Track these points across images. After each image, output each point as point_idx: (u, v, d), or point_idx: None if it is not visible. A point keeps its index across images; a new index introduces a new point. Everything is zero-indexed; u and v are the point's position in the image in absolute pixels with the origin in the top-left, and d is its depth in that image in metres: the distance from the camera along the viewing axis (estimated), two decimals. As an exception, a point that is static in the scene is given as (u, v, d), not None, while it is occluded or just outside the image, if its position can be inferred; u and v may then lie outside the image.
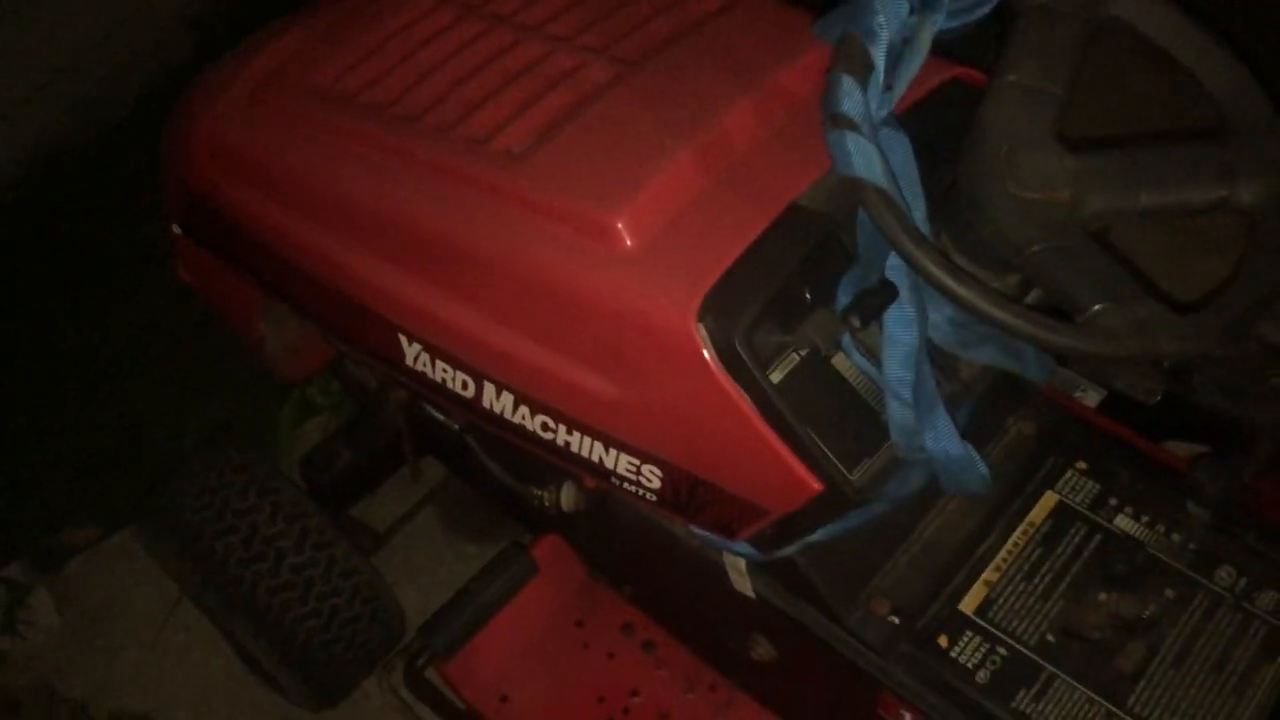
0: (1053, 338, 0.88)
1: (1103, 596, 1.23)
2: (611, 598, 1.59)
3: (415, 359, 1.28)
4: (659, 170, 1.11)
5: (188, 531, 1.61)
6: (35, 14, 3.06)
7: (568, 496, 1.45)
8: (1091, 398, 1.59)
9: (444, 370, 1.26)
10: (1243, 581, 1.23)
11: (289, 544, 1.61)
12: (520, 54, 1.29)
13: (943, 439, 1.04)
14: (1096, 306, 0.88)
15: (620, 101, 1.20)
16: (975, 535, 1.29)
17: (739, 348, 1.01)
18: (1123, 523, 1.29)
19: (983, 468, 1.11)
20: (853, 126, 0.90)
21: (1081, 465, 1.35)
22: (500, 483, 1.52)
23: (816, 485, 1.04)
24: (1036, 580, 1.25)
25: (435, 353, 1.25)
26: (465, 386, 1.25)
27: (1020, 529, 1.30)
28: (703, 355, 1.02)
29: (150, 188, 2.92)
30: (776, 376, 1.04)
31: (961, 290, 0.88)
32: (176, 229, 1.55)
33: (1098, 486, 1.33)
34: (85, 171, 3.07)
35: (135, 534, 1.83)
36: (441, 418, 1.55)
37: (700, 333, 1.02)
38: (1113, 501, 1.31)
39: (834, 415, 1.06)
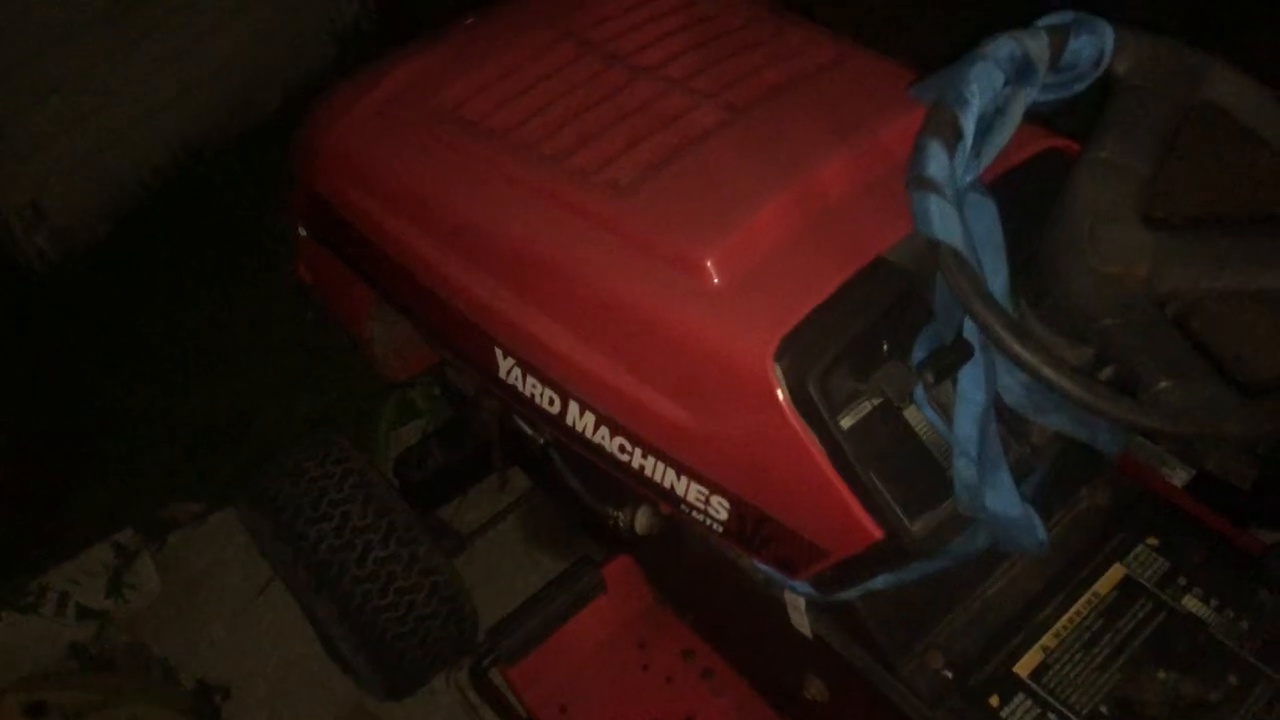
0: (1113, 410, 0.89)
1: (1162, 675, 1.22)
2: (675, 623, 1.63)
3: (508, 372, 1.34)
4: (752, 213, 1.15)
5: (285, 513, 1.69)
6: (189, 20, 3.25)
7: (642, 519, 1.50)
8: (1180, 476, 1.57)
9: (533, 385, 1.32)
10: None
11: (376, 537, 1.69)
12: (635, 93, 1.35)
13: (1003, 498, 1.05)
14: (1162, 383, 0.90)
15: (725, 145, 1.25)
16: (1038, 599, 1.29)
17: (811, 390, 1.05)
18: (1190, 603, 1.28)
19: (1041, 531, 1.12)
20: (936, 190, 0.93)
21: (1153, 541, 1.34)
22: (579, 499, 1.57)
23: (877, 532, 1.06)
24: (1095, 651, 1.25)
25: (526, 368, 1.32)
26: (551, 403, 1.31)
27: (1084, 598, 1.30)
28: (776, 394, 1.06)
29: (280, 187, 3.10)
30: (847, 422, 1.07)
31: (1025, 355, 0.90)
32: (301, 230, 1.65)
33: (1168, 564, 1.32)
34: (224, 167, 3.24)
35: (235, 511, 1.93)
36: (529, 430, 1.62)
37: (775, 372, 1.05)
38: (1181, 580, 1.30)
39: (900, 466, 1.08)
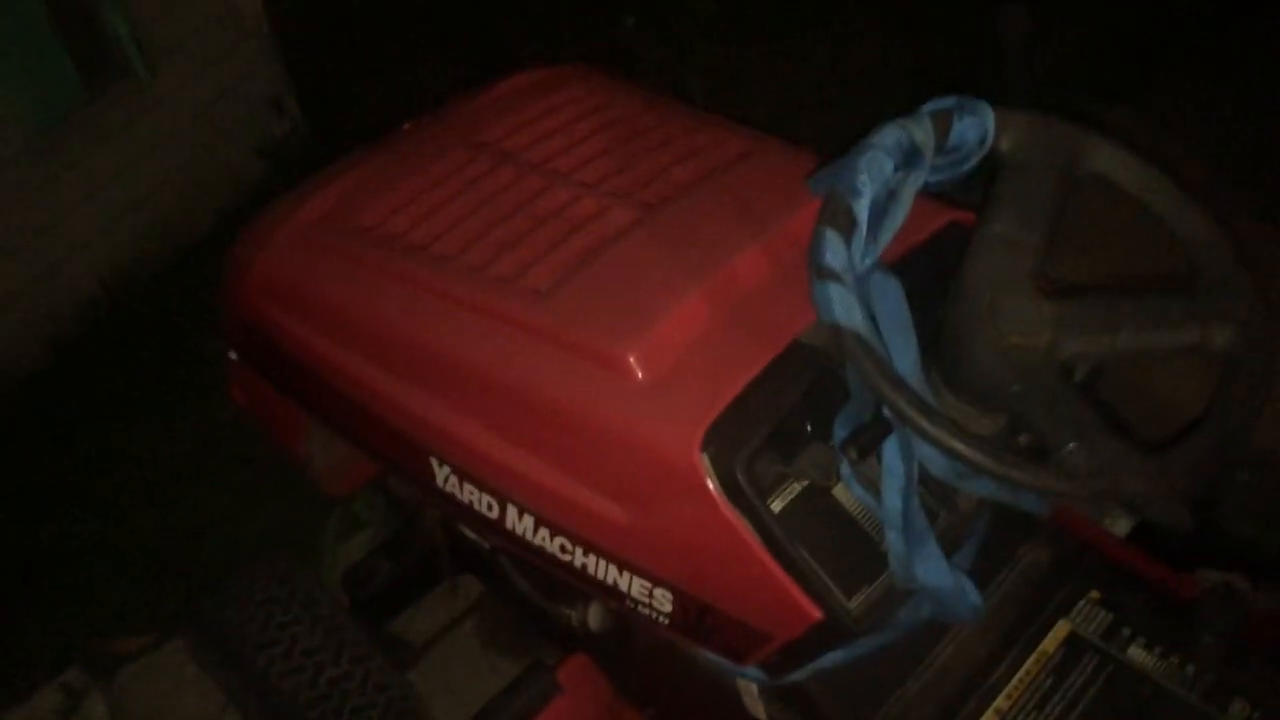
0: (1020, 476, 0.92)
1: None
2: (638, 719, 1.61)
3: (445, 480, 1.35)
4: (670, 307, 1.18)
5: (232, 642, 1.67)
6: (116, 150, 3.26)
7: (595, 617, 1.50)
8: (1122, 525, 1.60)
9: (471, 492, 1.33)
10: (1257, 715, 1.23)
11: (327, 656, 1.67)
12: (550, 199, 1.39)
13: (933, 568, 1.07)
14: (1069, 446, 0.93)
15: (639, 243, 1.28)
16: (988, 662, 1.31)
17: (740, 477, 1.07)
18: (1135, 654, 1.30)
19: (974, 598, 1.14)
20: (835, 277, 0.97)
21: (1095, 594, 1.37)
22: (530, 601, 1.57)
23: (816, 612, 1.08)
24: (1048, 710, 1.26)
25: (463, 475, 1.32)
26: (490, 508, 1.31)
27: (1033, 657, 1.31)
28: (706, 484, 1.07)
29: (215, 306, 3.09)
30: (777, 505, 1.09)
31: (932, 429, 0.93)
32: (232, 354, 1.66)
33: (1111, 616, 1.34)
34: (157, 294, 3.23)
35: (183, 642, 1.90)
36: (473, 536, 1.61)
37: (703, 462, 1.07)
38: (1125, 632, 1.32)
39: (834, 544, 1.10)
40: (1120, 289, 1.04)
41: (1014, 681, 1.29)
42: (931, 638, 1.32)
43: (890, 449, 1.07)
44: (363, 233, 1.44)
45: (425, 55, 3.79)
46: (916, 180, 1.04)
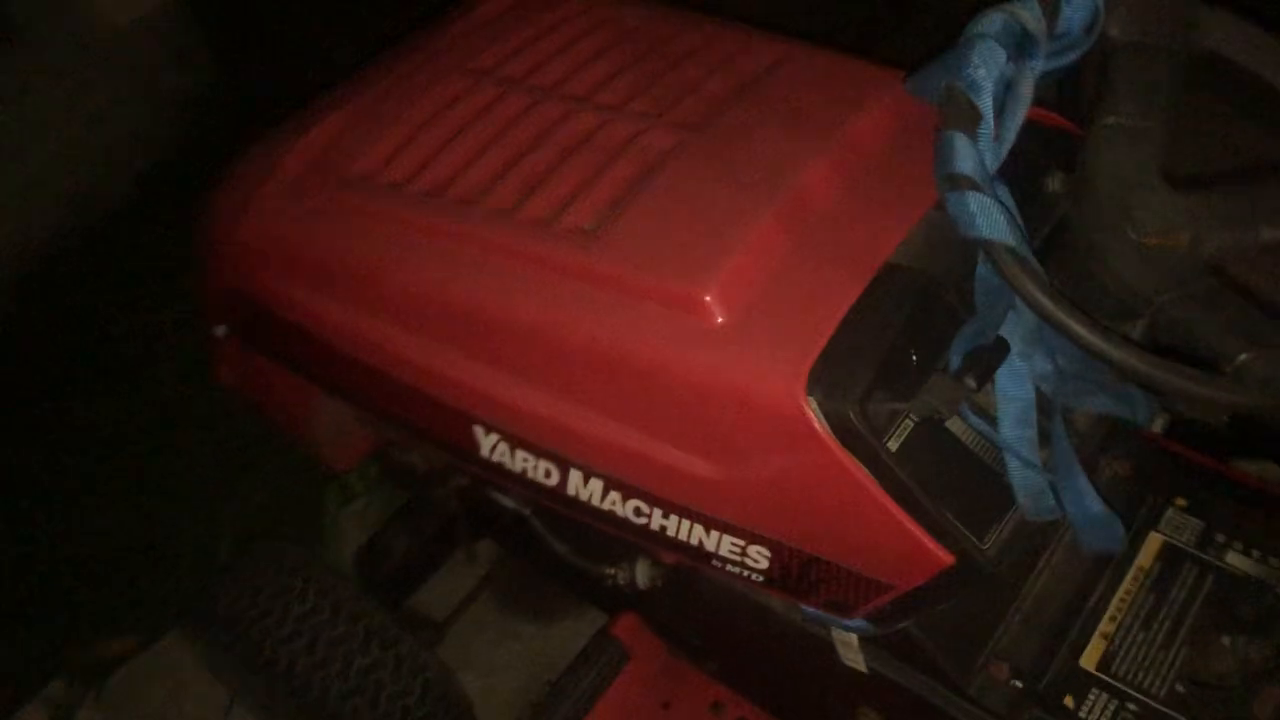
0: (1208, 392, 0.83)
1: (1227, 641, 1.18)
2: (696, 675, 1.53)
3: (492, 449, 1.23)
4: (743, 238, 1.06)
5: (249, 641, 1.54)
6: (13, 112, 3.01)
7: (643, 574, 1.40)
8: (1156, 423, 1.54)
9: (525, 459, 1.21)
10: None
11: (355, 645, 1.55)
12: (572, 126, 1.25)
13: (1083, 499, 0.99)
14: (1242, 356, 0.84)
15: (689, 168, 1.15)
16: (1085, 586, 1.24)
17: (854, 419, 0.96)
18: (1234, 560, 1.24)
19: (1121, 528, 1.07)
20: (973, 186, 0.86)
21: (1181, 502, 1.30)
22: (569, 563, 1.47)
23: (947, 558, 0.99)
24: (1155, 628, 1.20)
25: (514, 442, 1.20)
26: (548, 475, 1.20)
27: (1130, 575, 1.25)
28: (816, 430, 0.97)
29: (153, 275, 2.87)
30: (893, 445, 0.99)
31: (1112, 350, 0.83)
32: (220, 331, 1.49)
33: (1201, 523, 1.28)
34: (73, 268, 2.99)
35: (191, 647, 1.76)
36: (506, 502, 1.50)
37: (811, 406, 0.97)
38: (1219, 538, 1.26)
39: (956, 482, 1.01)
40: (1254, 175, 0.94)
41: (1115, 602, 1.23)
42: (1024, 567, 1.25)
43: (1004, 373, 0.97)
44: (365, 181, 1.28)
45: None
46: (1033, 70, 0.93)
